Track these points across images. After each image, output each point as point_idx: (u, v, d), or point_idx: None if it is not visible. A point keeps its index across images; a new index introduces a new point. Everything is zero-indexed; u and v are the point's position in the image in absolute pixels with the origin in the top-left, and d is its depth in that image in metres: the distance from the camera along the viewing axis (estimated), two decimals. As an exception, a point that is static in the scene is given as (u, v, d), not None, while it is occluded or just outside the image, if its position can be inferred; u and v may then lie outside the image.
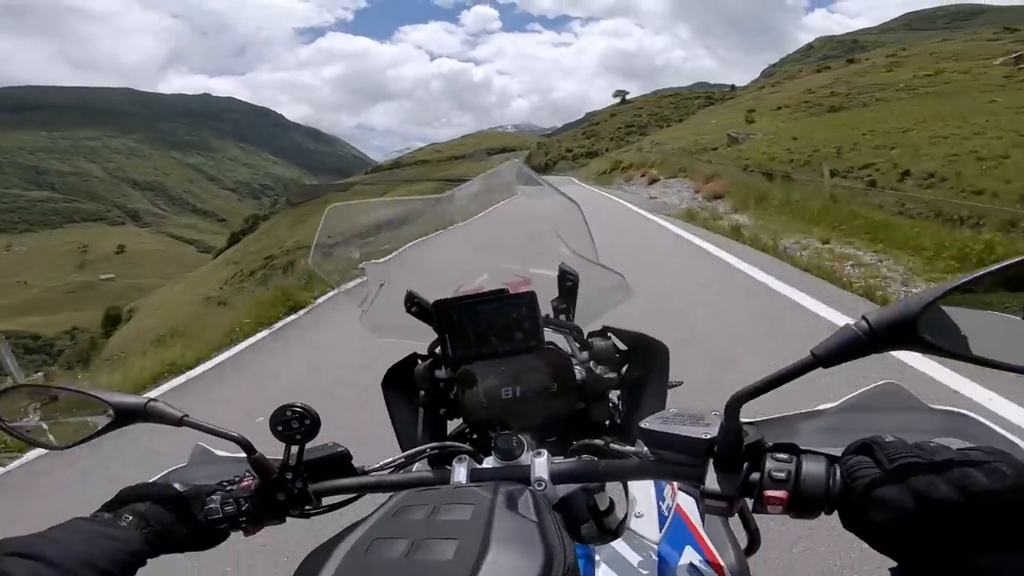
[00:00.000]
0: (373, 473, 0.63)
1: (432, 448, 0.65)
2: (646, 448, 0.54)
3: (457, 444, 0.65)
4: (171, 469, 0.69)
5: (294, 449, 0.58)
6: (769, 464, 0.46)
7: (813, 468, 0.45)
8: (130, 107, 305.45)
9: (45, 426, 0.63)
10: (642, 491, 0.70)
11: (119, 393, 0.59)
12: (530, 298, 0.73)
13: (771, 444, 0.48)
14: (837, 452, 0.46)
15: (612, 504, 0.71)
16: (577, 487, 0.64)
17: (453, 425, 0.80)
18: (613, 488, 0.71)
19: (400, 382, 0.80)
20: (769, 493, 0.45)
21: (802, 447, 0.47)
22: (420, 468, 0.66)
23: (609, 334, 0.80)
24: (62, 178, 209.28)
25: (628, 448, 0.59)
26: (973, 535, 0.36)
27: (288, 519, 0.60)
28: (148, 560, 0.53)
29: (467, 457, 0.60)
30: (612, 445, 0.61)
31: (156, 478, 0.64)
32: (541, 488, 0.55)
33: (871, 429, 0.47)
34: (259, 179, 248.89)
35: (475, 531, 0.41)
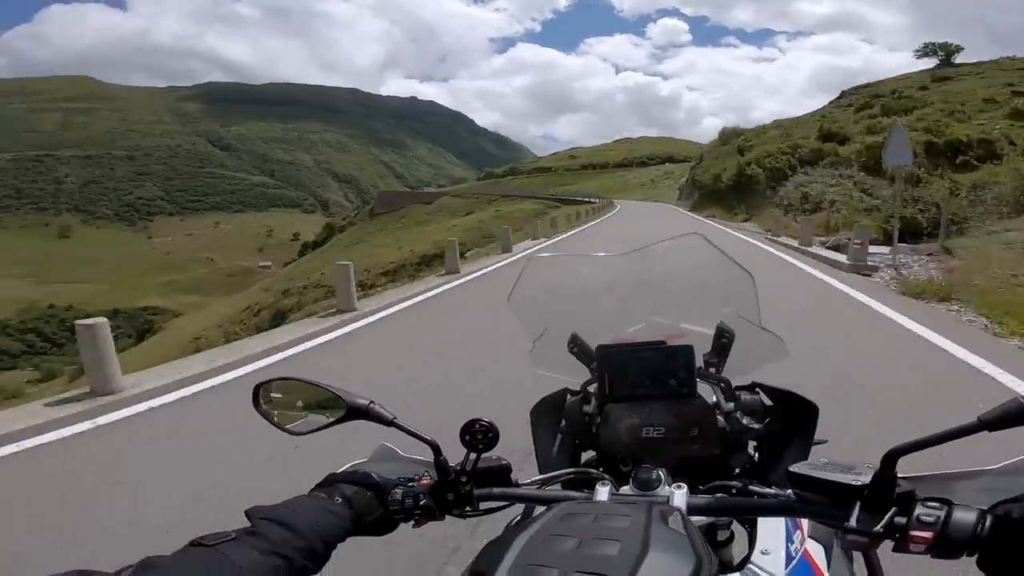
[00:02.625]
0: (524, 487, 0.71)
1: (577, 472, 0.75)
2: (790, 491, 0.58)
3: (596, 472, 0.74)
4: (354, 463, 0.73)
5: (471, 456, 0.66)
6: (919, 510, 0.49)
7: (964, 515, 0.48)
8: (351, 105, 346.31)
9: (288, 414, 0.73)
10: (770, 531, 0.73)
11: (351, 392, 0.69)
12: (688, 351, 0.79)
13: (923, 496, 0.50)
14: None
15: (732, 536, 0.73)
16: (708, 521, 0.67)
17: (585, 455, 0.88)
18: (736, 528, 0.75)
19: (546, 411, 0.89)
20: (915, 533, 0.48)
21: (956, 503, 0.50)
22: (561, 489, 0.73)
23: (757, 389, 0.84)
24: (281, 166, 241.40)
25: (767, 490, 0.64)
26: None
27: (447, 518, 0.69)
28: (347, 537, 0.61)
29: (609, 482, 0.66)
30: (750, 487, 0.66)
31: (341, 470, 0.70)
32: None
33: None
34: (437, 179, 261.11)
35: (635, 535, 0.46)
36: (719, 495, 0.67)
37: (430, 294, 8.00)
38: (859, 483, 0.51)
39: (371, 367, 4.64)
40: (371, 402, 0.68)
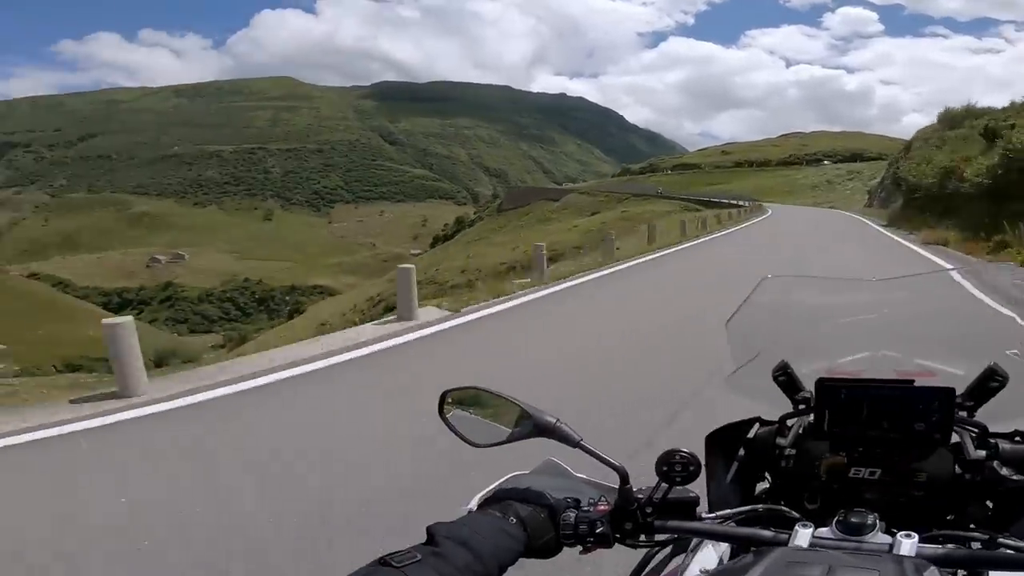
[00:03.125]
0: (707, 520, 0.67)
1: (768, 509, 0.69)
2: None
3: (790, 511, 0.67)
4: (515, 474, 0.71)
5: (663, 486, 0.63)
6: None
7: None
8: (502, 102, 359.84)
9: (473, 424, 0.72)
10: None
11: (538, 409, 0.67)
12: (948, 394, 0.71)
13: None
14: None
15: None
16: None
17: (759, 487, 0.84)
18: None
19: (725, 440, 0.84)
20: None
21: None
22: (741, 526, 0.67)
23: (1018, 437, 0.74)
24: (438, 160, 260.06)
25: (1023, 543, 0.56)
26: None
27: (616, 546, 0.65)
28: (518, 559, 0.58)
29: (809, 525, 0.60)
30: (1001, 539, 0.58)
31: (500, 482, 0.69)
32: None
33: None
34: (584, 175, 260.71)
35: None
36: (954, 545, 0.59)
37: (518, 302, 7.62)
38: None
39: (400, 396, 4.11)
40: (558, 420, 0.67)
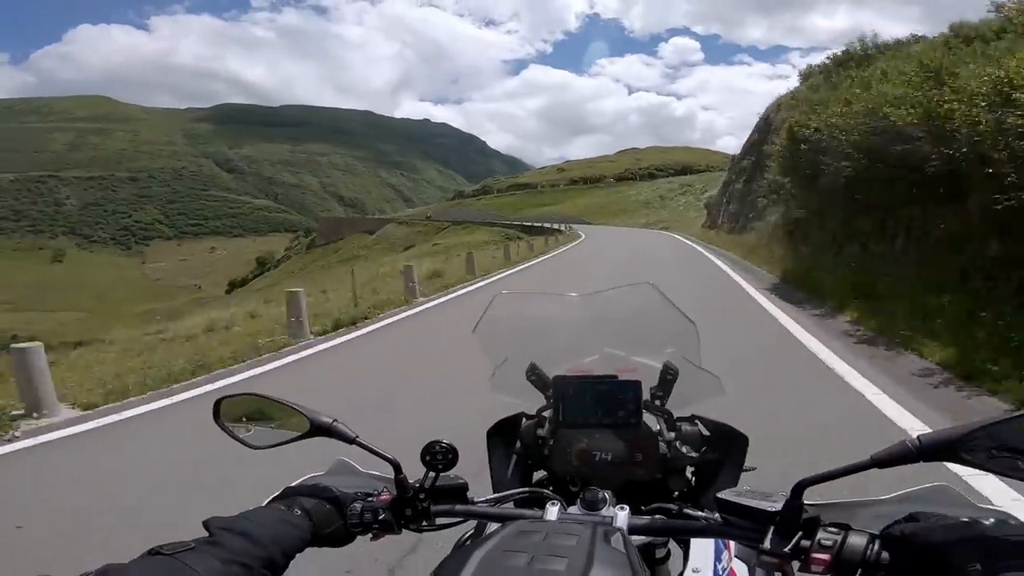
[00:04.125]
0: (479, 504, 0.76)
1: (531, 491, 0.81)
2: (718, 515, 0.64)
3: (547, 491, 0.80)
4: (310, 476, 0.76)
5: (430, 474, 0.71)
6: (820, 534, 0.56)
7: (856, 539, 0.55)
8: (363, 128, 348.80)
9: (250, 429, 0.76)
10: (701, 551, 0.80)
11: (314, 410, 0.72)
12: (636, 386, 0.86)
13: (826, 522, 0.58)
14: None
15: (669, 555, 0.81)
16: (647, 540, 0.74)
17: (537, 475, 0.95)
18: (673, 547, 0.83)
19: (502, 433, 0.96)
20: (815, 555, 0.55)
21: (855, 527, 0.57)
22: (512, 506, 0.79)
23: (696, 421, 0.92)
24: (285, 190, 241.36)
25: (699, 513, 0.71)
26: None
27: (403, 532, 0.72)
28: (305, 548, 0.63)
29: (558, 502, 0.71)
30: (685, 510, 0.73)
31: (297, 483, 0.73)
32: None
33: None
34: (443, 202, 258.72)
35: (580, 553, 0.52)
36: (657, 516, 0.72)
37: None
38: (773, 509, 0.58)
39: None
40: (334, 420, 0.72)
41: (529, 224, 42.91)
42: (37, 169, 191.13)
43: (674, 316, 0.96)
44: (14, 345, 4.66)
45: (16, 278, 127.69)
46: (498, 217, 56.59)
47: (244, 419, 0.76)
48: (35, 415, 4.35)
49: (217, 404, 0.76)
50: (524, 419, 0.97)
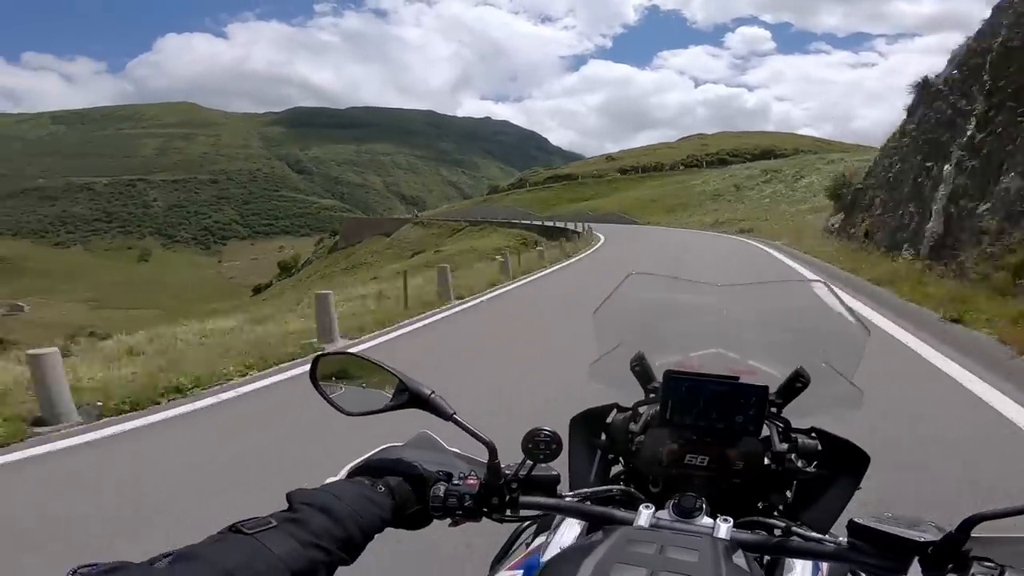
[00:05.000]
0: (567, 498, 0.72)
1: (620, 491, 0.77)
2: (843, 539, 0.59)
3: (638, 494, 0.76)
4: (390, 445, 0.72)
5: (527, 463, 0.67)
6: (974, 568, 0.51)
7: None
8: (424, 127, 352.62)
9: (343, 389, 0.71)
10: (797, 572, 0.76)
11: (414, 380, 0.68)
12: (763, 391, 0.78)
13: (981, 557, 0.52)
14: None
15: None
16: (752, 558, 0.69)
17: (614, 469, 0.89)
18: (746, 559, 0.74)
19: (587, 424, 0.90)
20: None
21: (1015, 568, 0.50)
22: (596, 504, 0.74)
23: (814, 433, 0.84)
24: (350, 189, 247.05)
25: (812, 534, 0.64)
26: None
27: (483, 520, 0.68)
28: (384, 529, 0.60)
29: (652, 506, 0.67)
30: (794, 528, 0.66)
31: (373, 452, 0.69)
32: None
33: None
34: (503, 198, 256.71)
35: (705, 571, 0.48)
36: (762, 532, 0.67)
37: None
38: (923, 539, 0.53)
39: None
40: (433, 392, 0.68)
41: (551, 224, 34.21)
42: (128, 173, 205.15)
43: (840, 321, 0.88)
44: (29, 351, 4.44)
45: (104, 277, 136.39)
46: (523, 216, 46.81)
47: (341, 380, 0.73)
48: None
49: (315, 361, 0.73)
50: (616, 411, 0.90)
